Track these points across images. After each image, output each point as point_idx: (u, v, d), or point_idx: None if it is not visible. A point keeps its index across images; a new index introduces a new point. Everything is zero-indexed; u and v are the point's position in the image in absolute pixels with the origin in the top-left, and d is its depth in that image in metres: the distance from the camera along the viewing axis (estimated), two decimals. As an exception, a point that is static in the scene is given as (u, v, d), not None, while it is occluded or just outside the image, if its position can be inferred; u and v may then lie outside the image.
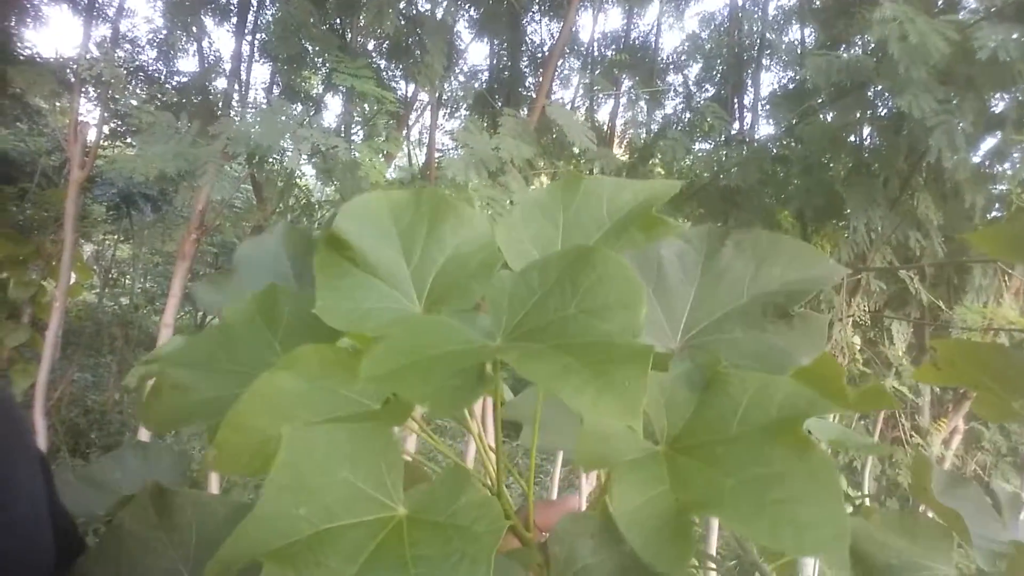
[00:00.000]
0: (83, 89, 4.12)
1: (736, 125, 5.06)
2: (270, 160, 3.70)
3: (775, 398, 0.41)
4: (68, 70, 4.21)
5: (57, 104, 5.94)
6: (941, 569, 0.59)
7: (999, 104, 3.78)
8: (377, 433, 0.40)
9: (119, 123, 5.29)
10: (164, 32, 4.40)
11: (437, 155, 4.04)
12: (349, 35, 4.12)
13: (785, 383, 0.42)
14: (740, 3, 5.39)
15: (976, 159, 4.08)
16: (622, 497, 0.40)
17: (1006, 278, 3.90)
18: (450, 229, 0.50)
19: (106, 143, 5.29)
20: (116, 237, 7.68)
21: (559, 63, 4.63)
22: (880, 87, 3.76)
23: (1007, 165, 4.26)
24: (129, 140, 5.23)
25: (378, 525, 0.37)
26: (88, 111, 4.47)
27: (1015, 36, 2.85)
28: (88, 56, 4.00)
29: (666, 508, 0.39)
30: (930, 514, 0.69)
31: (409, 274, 0.50)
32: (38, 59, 4.22)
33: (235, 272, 0.59)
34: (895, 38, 2.84)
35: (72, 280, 4.92)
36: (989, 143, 4.05)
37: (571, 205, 0.52)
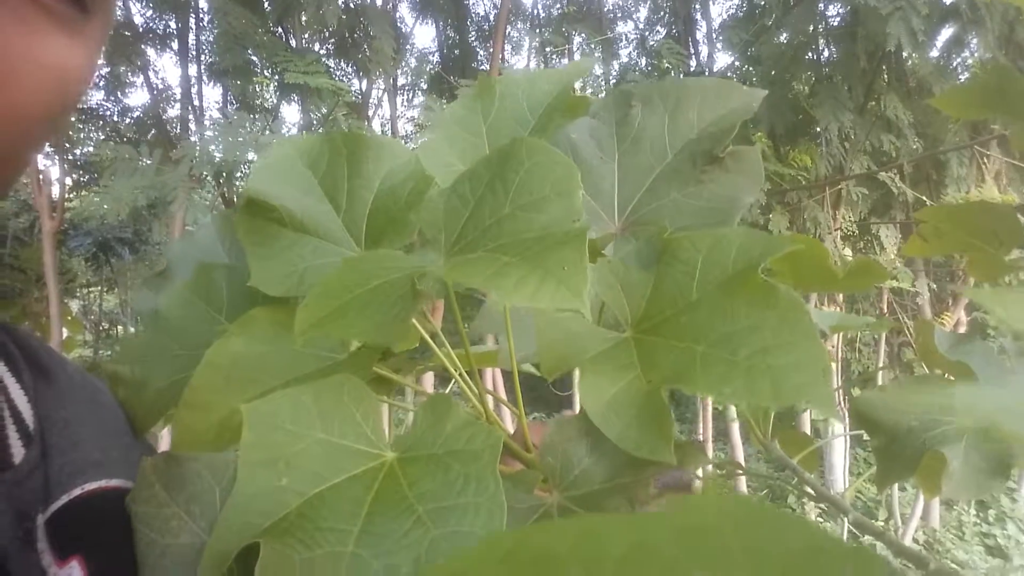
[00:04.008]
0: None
1: (693, 62, 5.02)
2: (237, 176, 3.68)
3: (729, 252, 0.39)
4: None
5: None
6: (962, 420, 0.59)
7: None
8: (343, 385, 0.37)
9: (81, 172, 5.24)
10: (107, 69, 4.35)
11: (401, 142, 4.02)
12: (293, 40, 4.08)
13: (737, 234, 0.39)
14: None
15: (935, 53, 4.07)
16: (593, 392, 0.38)
17: (985, 161, 3.90)
18: (372, 164, 0.47)
19: (71, 194, 5.25)
20: (100, 288, 7.62)
21: (507, 30, 4.59)
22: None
23: (966, 54, 4.24)
24: (94, 188, 5.20)
25: (370, 475, 0.35)
26: (47, 165, 4.43)
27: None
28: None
29: (640, 393, 0.37)
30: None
31: (341, 221, 0.47)
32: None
33: (170, 273, 0.55)
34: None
35: (64, 335, 4.90)
36: (944, 35, 4.04)
37: (490, 111, 0.50)
